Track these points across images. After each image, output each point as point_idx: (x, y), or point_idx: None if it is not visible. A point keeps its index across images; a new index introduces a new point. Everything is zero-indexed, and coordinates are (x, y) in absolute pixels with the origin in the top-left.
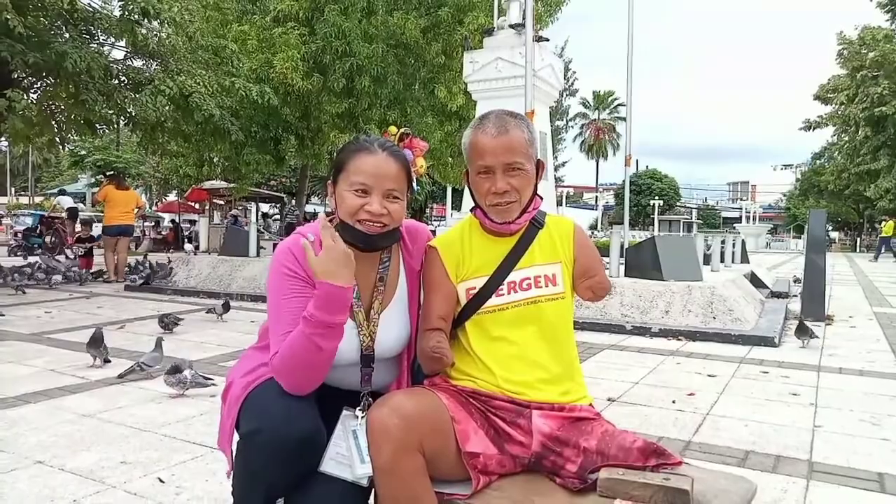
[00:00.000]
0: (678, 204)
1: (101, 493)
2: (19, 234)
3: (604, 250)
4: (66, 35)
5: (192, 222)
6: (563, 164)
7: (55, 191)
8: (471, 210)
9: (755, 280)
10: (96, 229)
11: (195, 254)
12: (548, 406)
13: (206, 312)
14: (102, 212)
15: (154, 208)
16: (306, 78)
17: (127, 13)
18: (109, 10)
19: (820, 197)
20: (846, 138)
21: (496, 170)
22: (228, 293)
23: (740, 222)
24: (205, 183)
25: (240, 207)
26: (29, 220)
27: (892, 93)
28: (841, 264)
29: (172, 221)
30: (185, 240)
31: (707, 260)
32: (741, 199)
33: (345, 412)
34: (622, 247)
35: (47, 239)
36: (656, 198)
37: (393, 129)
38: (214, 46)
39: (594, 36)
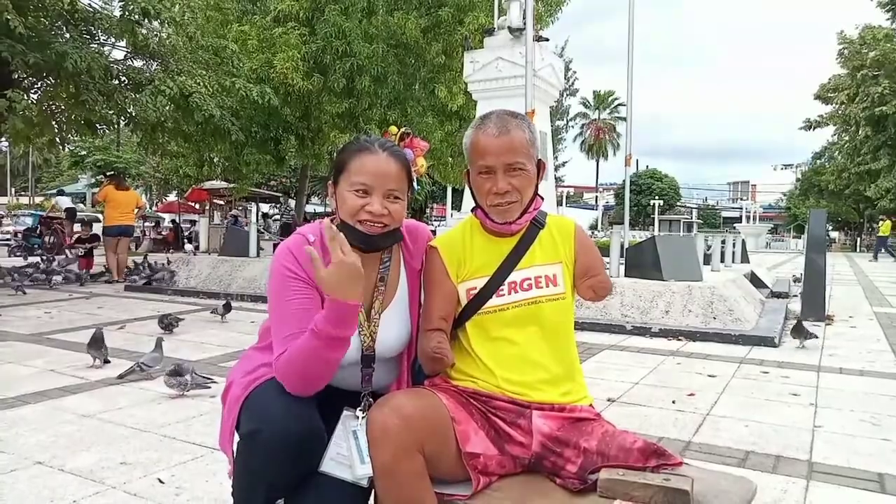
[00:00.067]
0: (678, 204)
1: (100, 494)
2: (19, 235)
3: (604, 250)
4: (67, 35)
5: (193, 222)
6: (564, 163)
7: (54, 191)
8: (472, 210)
9: (755, 280)
10: (96, 229)
11: (195, 254)
12: (548, 406)
13: (211, 313)
14: (102, 212)
15: (154, 208)
16: (306, 78)
17: (127, 13)
18: (110, 11)
19: (820, 197)
20: (846, 138)
21: (497, 170)
22: (228, 293)
23: (740, 222)
24: (205, 183)
25: (240, 208)
26: (29, 221)
27: (892, 92)
28: (841, 264)
29: (172, 222)
30: (185, 240)
31: (707, 260)
32: (741, 199)
33: (345, 412)
34: (622, 247)
35: (46, 239)
36: (656, 198)
37: (394, 129)
38: (215, 46)
39: (594, 36)
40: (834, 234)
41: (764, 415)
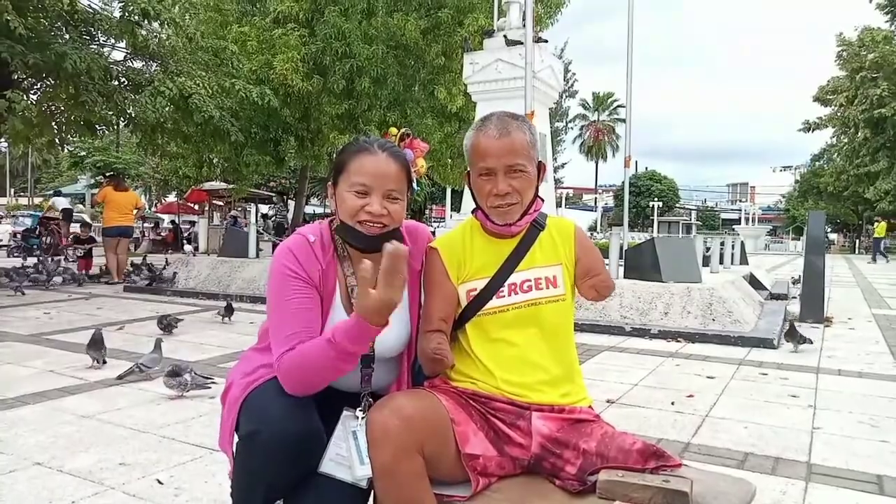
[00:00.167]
0: (677, 205)
1: (99, 495)
2: (18, 235)
3: (603, 252)
4: (66, 36)
5: (192, 223)
6: (563, 165)
7: (52, 192)
8: (472, 212)
9: (754, 282)
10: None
11: (194, 255)
12: (547, 408)
13: (216, 315)
14: (101, 212)
15: (153, 209)
16: (306, 79)
17: (127, 14)
18: (109, 12)
19: (819, 198)
20: (845, 140)
21: (498, 171)
22: (228, 294)
23: (739, 224)
24: (204, 184)
25: (239, 208)
26: (28, 221)
27: (891, 94)
28: (840, 266)
29: (172, 222)
30: (185, 241)
31: (706, 261)
32: (740, 201)
33: (345, 413)
34: (621, 248)
35: (44, 240)
36: (655, 199)
37: (393, 130)
38: (214, 48)
39: (594, 37)
40: (833, 236)
41: (763, 416)
